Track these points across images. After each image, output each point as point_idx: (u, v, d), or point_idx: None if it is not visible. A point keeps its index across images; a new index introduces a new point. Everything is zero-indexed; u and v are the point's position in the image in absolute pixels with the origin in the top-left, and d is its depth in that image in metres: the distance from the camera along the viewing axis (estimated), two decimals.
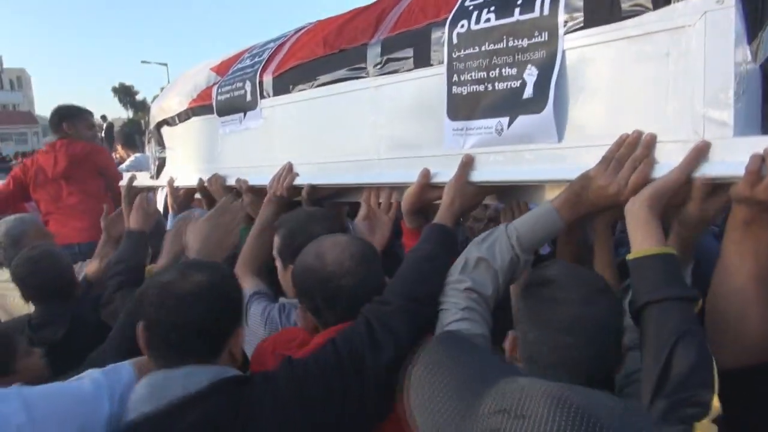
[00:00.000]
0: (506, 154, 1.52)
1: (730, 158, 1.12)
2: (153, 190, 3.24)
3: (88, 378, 1.28)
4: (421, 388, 1.03)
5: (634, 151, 1.26)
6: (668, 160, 1.20)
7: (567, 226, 1.38)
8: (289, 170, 2.13)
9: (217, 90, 2.57)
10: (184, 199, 2.88)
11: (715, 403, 0.96)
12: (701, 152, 1.16)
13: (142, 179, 3.22)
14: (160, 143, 3.05)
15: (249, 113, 2.38)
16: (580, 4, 1.34)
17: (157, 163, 3.07)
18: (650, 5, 1.23)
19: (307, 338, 1.47)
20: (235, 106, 2.44)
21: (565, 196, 1.35)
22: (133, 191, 2.98)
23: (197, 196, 2.79)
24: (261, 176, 2.30)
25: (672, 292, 1.07)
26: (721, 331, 1.16)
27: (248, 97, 2.36)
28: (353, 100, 1.91)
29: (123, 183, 3.40)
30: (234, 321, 1.32)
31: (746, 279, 1.14)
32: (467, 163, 1.57)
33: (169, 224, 2.82)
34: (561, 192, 1.37)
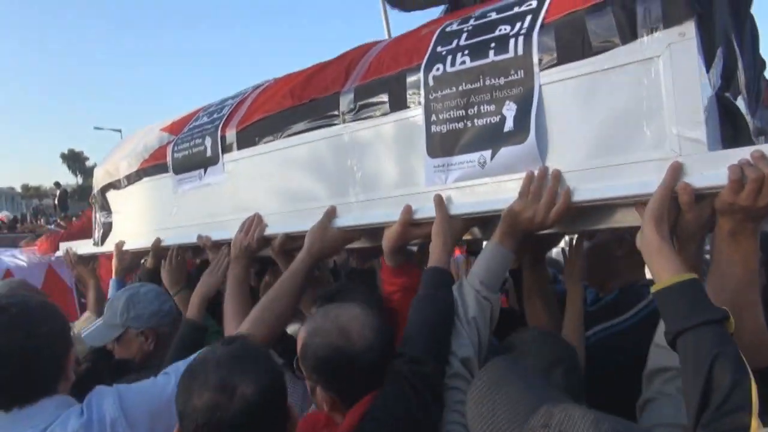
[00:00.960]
0: (488, 185, 1.58)
1: (709, 171, 1.23)
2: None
3: (174, 375, 1.39)
4: (482, 402, 1.06)
5: (544, 182, 1.44)
6: (652, 177, 1.29)
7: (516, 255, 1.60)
8: (258, 221, 2.09)
9: (173, 148, 2.52)
10: (130, 262, 2.75)
11: (754, 424, 1.00)
12: (676, 169, 1.27)
13: (84, 248, 3.04)
14: (105, 208, 2.91)
15: (210, 168, 2.34)
16: (553, 44, 1.46)
17: (102, 229, 2.92)
18: (619, 41, 1.36)
19: (329, 420, 1.43)
20: (194, 163, 2.40)
21: (501, 230, 1.54)
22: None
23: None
24: (225, 231, 2.25)
25: (700, 318, 1.11)
26: (739, 337, 1.22)
27: (209, 153, 2.33)
28: (328, 146, 1.93)
29: (60, 254, 3.21)
30: None
31: (738, 285, 1.22)
32: (441, 202, 1.63)
33: (111, 289, 2.67)
34: (497, 228, 1.55)
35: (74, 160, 60.00)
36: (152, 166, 2.62)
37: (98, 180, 2.95)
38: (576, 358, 1.42)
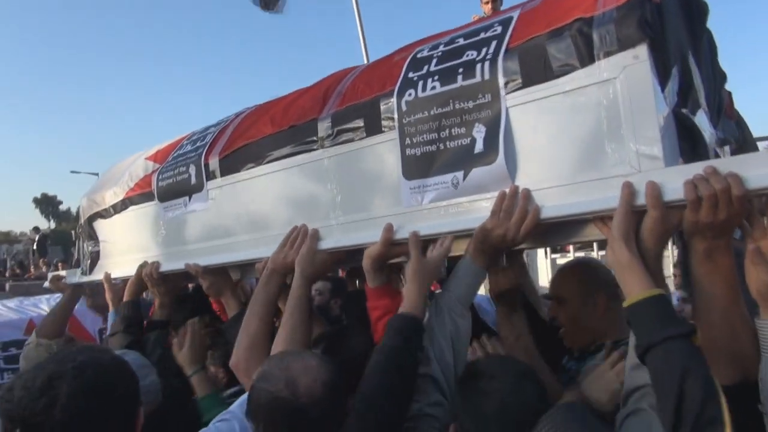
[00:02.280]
0: (462, 205, 1.63)
1: (667, 185, 1.29)
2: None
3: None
4: None
5: (515, 201, 1.51)
6: (615, 193, 1.35)
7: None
8: (305, 233, 1.97)
9: (158, 177, 2.57)
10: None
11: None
12: (629, 187, 1.33)
13: (71, 277, 3.07)
14: (93, 237, 2.95)
15: (194, 196, 2.39)
16: (517, 68, 1.53)
17: (89, 258, 2.95)
18: (578, 64, 1.43)
19: None
20: (179, 191, 2.45)
21: (473, 247, 1.61)
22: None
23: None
24: (212, 257, 2.29)
25: (668, 332, 1.16)
26: (717, 352, 1.28)
27: (193, 180, 2.38)
28: (308, 171, 1.99)
29: (47, 285, 3.23)
30: None
31: (727, 303, 1.28)
32: (416, 242, 1.68)
33: (109, 321, 2.69)
34: (468, 246, 1.62)
35: (47, 204, 59.49)
36: (138, 194, 2.67)
37: (85, 210, 2.99)
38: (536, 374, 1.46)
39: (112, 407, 1.28)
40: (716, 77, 1.96)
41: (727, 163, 1.26)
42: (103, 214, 2.87)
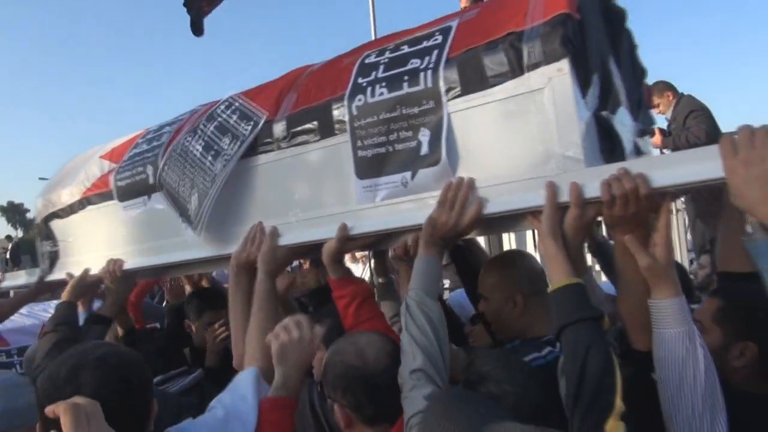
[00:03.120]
0: (414, 202, 1.79)
1: (587, 184, 1.47)
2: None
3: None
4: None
5: (459, 191, 1.64)
6: (543, 192, 1.53)
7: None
8: (262, 231, 2.09)
9: (116, 176, 2.61)
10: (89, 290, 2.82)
11: (618, 403, 1.26)
12: (552, 187, 1.51)
13: (30, 277, 3.09)
14: (50, 237, 2.97)
15: (154, 195, 2.46)
16: (456, 77, 1.67)
17: (48, 259, 2.97)
18: (510, 75, 1.59)
19: None
20: (138, 190, 2.51)
21: (423, 239, 1.71)
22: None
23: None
24: (172, 254, 2.39)
25: (579, 315, 1.37)
26: (634, 322, 1.51)
27: (151, 180, 2.45)
28: (265, 171, 2.10)
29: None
30: None
31: (643, 286, 1.47)
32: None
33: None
34: (420, 239, 1.72)
35: (14, 212, 57.08)
36: (96, 194, 2.71)
37: (41, 211, 3.00)
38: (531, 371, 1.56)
39: (129, 395, 1.39)
40: (636, 73, 2.16)
41: (636, 164, 1.44)
42: (60, 214, 2.89)
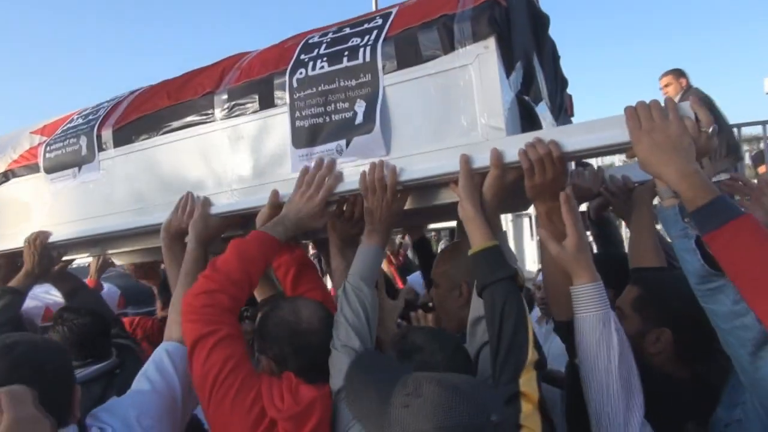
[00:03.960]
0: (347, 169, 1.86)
1: (507, 150, 1.59)
2: None
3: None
4: (354, 386, 1.35)
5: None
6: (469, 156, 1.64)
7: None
8: (192, 198, 2.11)
9: (45, 148, 2.56)
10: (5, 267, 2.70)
11: (531, 353, 1.36)
12: (465, 156, 1.64)
13: None
14: None
15: (84, 167, 2.42)
16: (393, 52, 1.79)
17: None
18: (441, 52, 1.72)
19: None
20: (68, 162, 2.46)
21: (366, 230, 1.82)
22: None
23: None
24: (102, 225, 2.34)
25: (497, 275, 1.48)
26: (558, 294, 1.61)
27: (84, 152, 2.41)
28: (203, 142, 2.13)
29: None
30: None
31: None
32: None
33: None
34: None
35: None
36: (22, 166, 2.63)
37: None
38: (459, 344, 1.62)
39: (42, 382, 1.33)
40: (558, 81, 2.36)
41: (549, 133, 1.58)
42: None
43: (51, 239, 2.49)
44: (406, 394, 1.14)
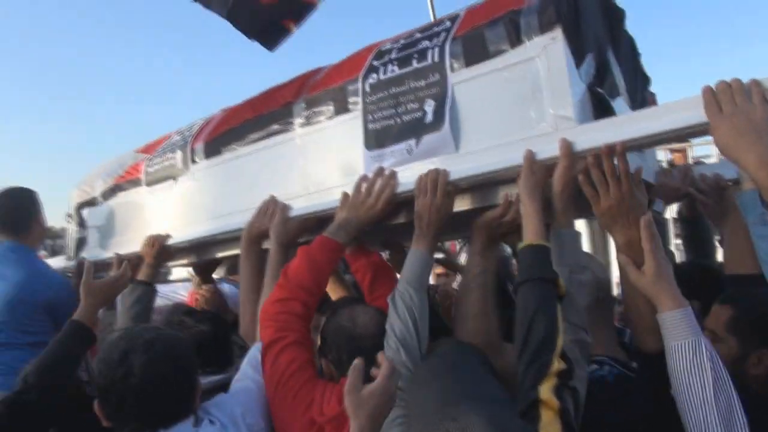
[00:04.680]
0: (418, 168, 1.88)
1: (577, 139, 1.56)
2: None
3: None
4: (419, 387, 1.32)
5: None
6: (537, 148, 1.62)
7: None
8: (275, 202, 2.19)
9: (146, 164, 2.80)
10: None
11: (556, 362, 1.28)
12: (529, 151, 1.59)
13: (57, 262, 3.24)
14: (80, 224, 3.15)
15: (181, 179, 2.63)
16: (461, 51, 1.82)
17: (75, 243, 3.14)
18: (508, 46, 1.73)
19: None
20: (166, 175, 2.68)
21: (415, 234, 1.78)
22: None
23: None
24: (198, 231, 2.52)
25: (535, 274, 1.42)
26: (643, 325, 1.50)
27: (179, 165, 2.62)
28: (283, 149, 2.25)
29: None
30: None
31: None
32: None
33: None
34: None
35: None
36: (127, 181, 2.89)
37: (73, 198, 3.20)
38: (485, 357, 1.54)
39: (176, 374, 1.51)
40: (638, 78, 2.28)
41: (624, 119, 1.54)
42: (92, 202, 3.08)
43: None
44: (453, 420, 1.07)
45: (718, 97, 1.32)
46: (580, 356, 1.37)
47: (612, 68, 1.93)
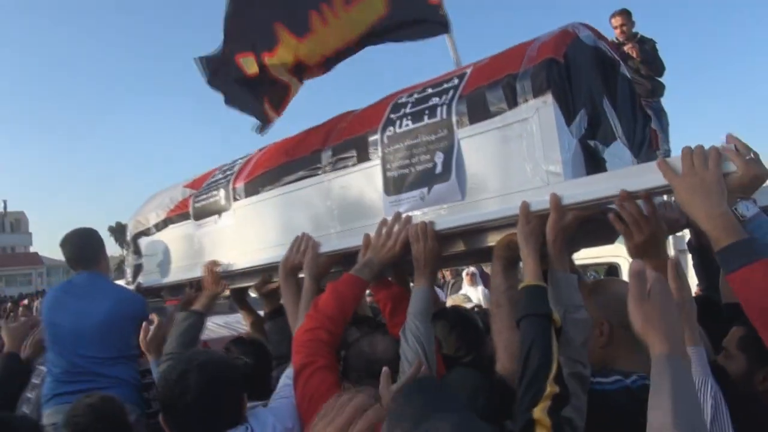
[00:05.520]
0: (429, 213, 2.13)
1: (565, 194, 1.77)
2: None
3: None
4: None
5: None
6: (532, 200, 1.84)
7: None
8: (307, 240, 2.45)
9: (193, 200, 3.13)
10: None
11: (549, 387, 1.50)
12: (524, 202, 1.81)
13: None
14: (137, 252, 3.51)
15: (224, 214, 2.93)
16: (465, 110, 2.05)
17: (133, 270, 3.50)
18: (506, 107, 1.95)
19: None
20: (211, 210, 3.00)
21: (363, 266, 2.13)
22: None
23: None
24: (238, 263, 2.82)
25: (532, 310, 1.65)
26: None
27: (222, 201, 2.93)
28: (312, 191, 2.52)
29: None
30: None
31: None
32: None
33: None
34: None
35: (121, 233, 61.80)
36: (177, 215, 3.23)
37: (130, 229, 3.57)
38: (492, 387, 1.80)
39: (226, 392, 1.81)
40: (638, 118, 2.46)
41: (615, 174, 1.75)
42: (146, 233, 3.44)
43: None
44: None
45: (680, 160, 1.52)
46: (578, 388, 1.59)
47: (607, 116, 2.13)
